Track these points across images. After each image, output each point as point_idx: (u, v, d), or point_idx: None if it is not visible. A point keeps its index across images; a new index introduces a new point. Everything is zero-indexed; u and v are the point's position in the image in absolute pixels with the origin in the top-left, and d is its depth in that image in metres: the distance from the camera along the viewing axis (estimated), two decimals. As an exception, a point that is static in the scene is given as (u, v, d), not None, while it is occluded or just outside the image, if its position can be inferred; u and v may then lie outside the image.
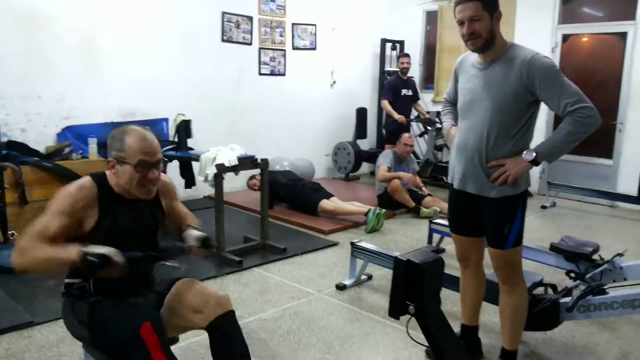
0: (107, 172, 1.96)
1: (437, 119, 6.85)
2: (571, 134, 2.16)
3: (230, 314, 1.96)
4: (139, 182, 1.90)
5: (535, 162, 2.23)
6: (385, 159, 5.69)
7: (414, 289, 1.40)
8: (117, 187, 1.94)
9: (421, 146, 7.49)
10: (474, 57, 2.37)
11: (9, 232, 4.07)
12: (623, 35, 6.23)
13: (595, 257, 3.31)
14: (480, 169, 2.32)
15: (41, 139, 4.93)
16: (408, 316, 1.44)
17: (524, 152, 2.24)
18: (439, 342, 1.43)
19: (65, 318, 2.04)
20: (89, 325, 1.90)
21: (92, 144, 4.80)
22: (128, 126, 1.98)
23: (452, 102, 2.64)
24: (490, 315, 3.16)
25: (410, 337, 1.59)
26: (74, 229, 1.85)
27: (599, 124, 2.16)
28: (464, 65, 2.46)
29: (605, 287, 2.64)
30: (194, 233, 2.06)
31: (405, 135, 5.75)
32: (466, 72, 2.41)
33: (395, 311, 1.44)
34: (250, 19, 6.55)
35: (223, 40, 6.32)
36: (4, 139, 4.51)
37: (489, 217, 2.38)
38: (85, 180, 1.93)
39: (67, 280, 1.98)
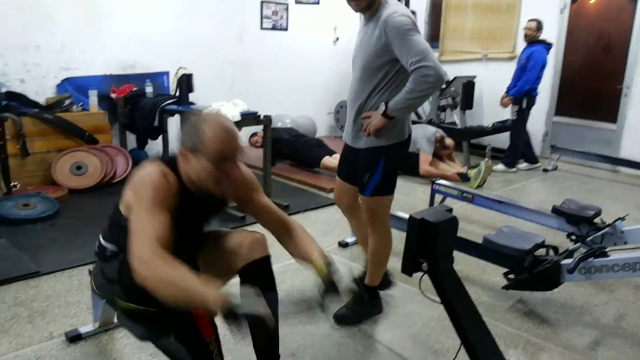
0: (179, 161, 1.71)
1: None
2: (412, 92, 2.24)
3: (265, 260, 1.85)
4: (216, 179, 1.64)
5: (386, 115, 2.33)
6: (430, 147, 5.49)
7: (427, 247, 1.41)
8: (188, 181, 1.70)
9: (424, 107, 7.42)
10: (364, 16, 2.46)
11: (12, 184, 4.07)
12: (634, -3, 6.11)
13: (597, 220, 3.34)
14: (354, 122, 2.49)
15: (40, 90, 4.86)
16: (420, 274, 1.45)
17: (379, 105, 2.35)
18: (452, 298, 1.45)
19: (95, 280, 1.96)
20: (119, 282, 1.75)
21: (93, 96, 4.75)
22: (207, 113, 1.72)
23: None
24: (490, 275, 3.21)
25: (423, 293, 1.61)
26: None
27: (440, 83, 2.26)
28: (360, 22, 2.58)
29: (607, 250, 2.67)
30: (345, 285, 1.74)
31: (448, 152, 5.73)
32: (360, 28, 2.53)
33: (408, 268, 1.45)
34: (253, -30, 6.36)
35: (225, -8, 6.17)
36: (3, 90, 4.44)
37: (357, 166, 2.54)
38: (161, 167, 1.67)
39: (103, 242, 1.87)
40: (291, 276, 3.12)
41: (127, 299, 1.76)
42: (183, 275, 1.42)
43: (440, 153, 5.66)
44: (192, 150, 1.64)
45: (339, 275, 1.67)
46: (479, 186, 5.22)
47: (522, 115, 6.01)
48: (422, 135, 5.56)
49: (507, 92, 6.23)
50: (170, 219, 1.58)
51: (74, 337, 2.35)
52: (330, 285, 1.66)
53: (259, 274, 1.85)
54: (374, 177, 2.46)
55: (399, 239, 2.33)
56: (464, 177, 5.28)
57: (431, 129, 5.74)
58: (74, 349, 2.30)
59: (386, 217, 2.64)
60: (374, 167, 2.45)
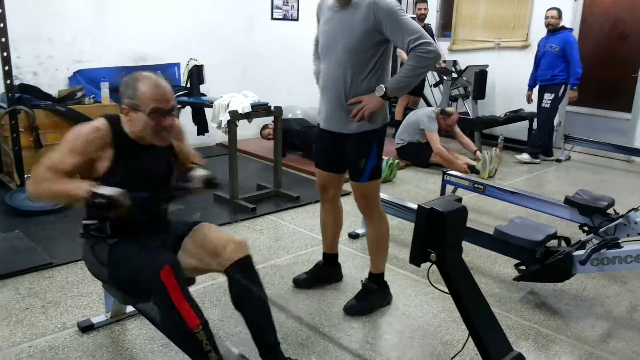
0: (121, 116, 1.95)
1: (452, 69, 6.72)
2: (414, 69, 2.29)
3: (248, 259, 1.97)
4: (154, 130, 1.89)
5: (386, 97, 2.36)
6: (433, 123, 5.42)
7: (436, 237, 1.40)
8: (131, 133, 1.94)
9: (436, 96, 7.38)
10: (331, 0, 2.45)
11: (25, 176, 4.11)
12: (651, -16, 5.99)
13: (610, 211, 3.31)
14: (340, 108, 2.47)
15: (53, 83, 4.89)
16: (429, 264, 1.45)
17: (376, 88, 2.36)
18: (459, 289, 1.45)
19: (85, 258, 2.07)
20: (108, 266, 1.93)
21: (104, 88, 4.76)
22: (140, 73, 1.93)
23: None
24: (501, 266, 3.19)
25: (431, 284, 1.60)
26: (87, 169, 1.88)
27: (439, 58, 2.34)
28: (322, 9, 2.55)
29: (619, 241, 2.64)
30: (199, 173, 2.07)
31: (455, 117, 5.64)
32: (324, 15, 2.51)
33: (416, 258, 1.44)
34: (263, -41, 6.33)
35: (235, -18, 6.14)
36: (16, 82, 4.47)
37: (349, 152, 2.53)
38: (100, 122, 1.93)
39: (84, 222, 2.00)
40: (301, 266, 3.13)
41: (113, 282, 1.98)
42: (60, 182, 1.79)
43: (447, 123, 5.57)
44: (132, 108, 1.87)
45: (202, 173, 2.07)
46: (490, 176, 5.18)
47: (556, 104, 5.92)
48: (422, 115, 5.51)
49: (529, 86, 6.16)
50: (82, 163, 1.85)
51: (86, 327, 2.38)
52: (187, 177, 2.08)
53: (244, 272, 1.95)
54: (369, 162, 2.48)
55: (408, 230, 2.32)
56: (473, 170, 5.24)
57: (429, 108, 5.71)
58: (87, 339, 2.33)
59: (379, 200, 2.69)
60: (369, 151, 2.48)
